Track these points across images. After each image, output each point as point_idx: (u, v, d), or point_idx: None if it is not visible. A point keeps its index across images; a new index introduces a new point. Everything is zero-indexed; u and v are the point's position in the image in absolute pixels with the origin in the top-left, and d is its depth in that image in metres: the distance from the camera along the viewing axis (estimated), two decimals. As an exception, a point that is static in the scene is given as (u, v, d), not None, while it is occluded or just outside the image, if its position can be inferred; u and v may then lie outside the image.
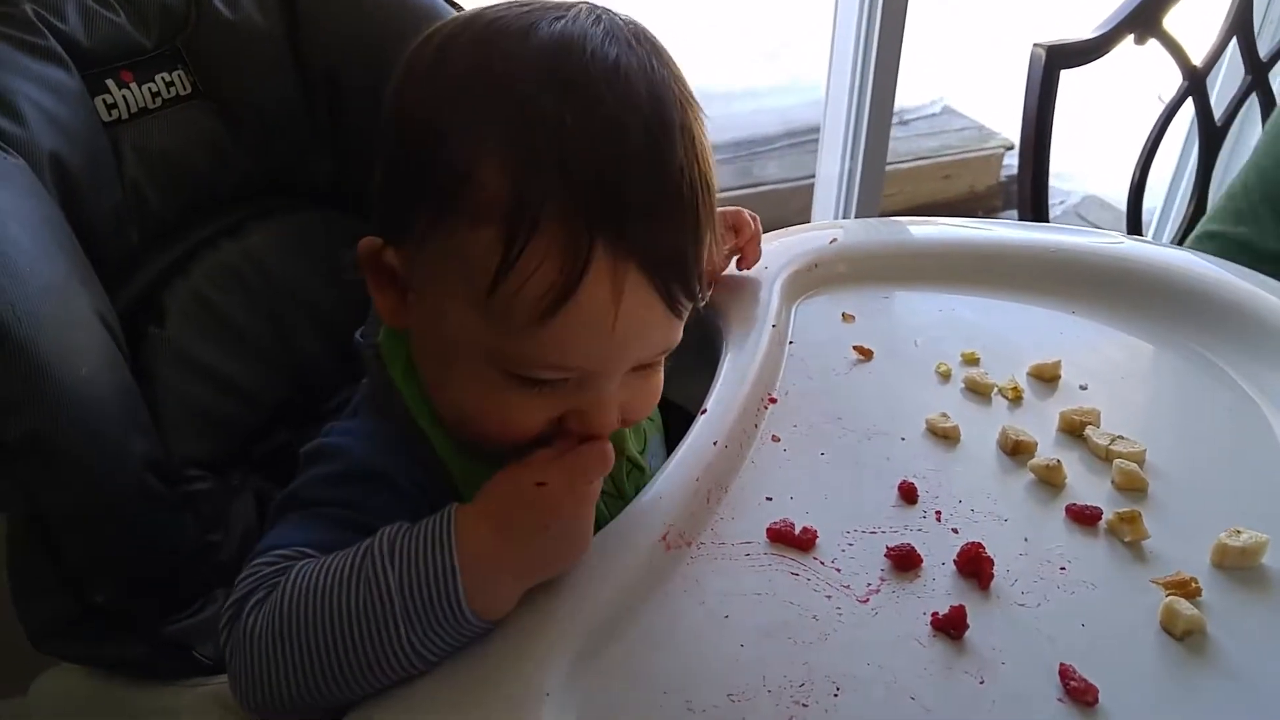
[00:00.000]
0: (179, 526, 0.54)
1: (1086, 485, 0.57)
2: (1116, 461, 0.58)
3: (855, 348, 0.68)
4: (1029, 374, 0.67)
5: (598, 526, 0.54)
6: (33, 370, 0.45)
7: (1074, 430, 0.61)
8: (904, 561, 0.52)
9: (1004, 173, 2.24)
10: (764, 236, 0.76)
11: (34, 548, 0.47)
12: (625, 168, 0.41)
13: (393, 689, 0.43)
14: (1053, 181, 1.12)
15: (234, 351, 0.61)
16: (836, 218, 1.39)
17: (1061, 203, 2.27)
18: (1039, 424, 0.62)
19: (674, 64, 0.46)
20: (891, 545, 0.52)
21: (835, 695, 0.45)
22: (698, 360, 0.76)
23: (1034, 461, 0.58)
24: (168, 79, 0.61)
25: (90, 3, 0.58)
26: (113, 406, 0.50)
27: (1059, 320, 0.72)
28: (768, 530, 0.54)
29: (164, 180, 0.61)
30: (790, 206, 1.77)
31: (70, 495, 0.47)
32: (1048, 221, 1.16)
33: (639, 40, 0.45)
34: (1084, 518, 0.55)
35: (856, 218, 1.36)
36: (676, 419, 0.72)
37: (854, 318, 0.72)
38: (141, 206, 0.60)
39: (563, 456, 0.45)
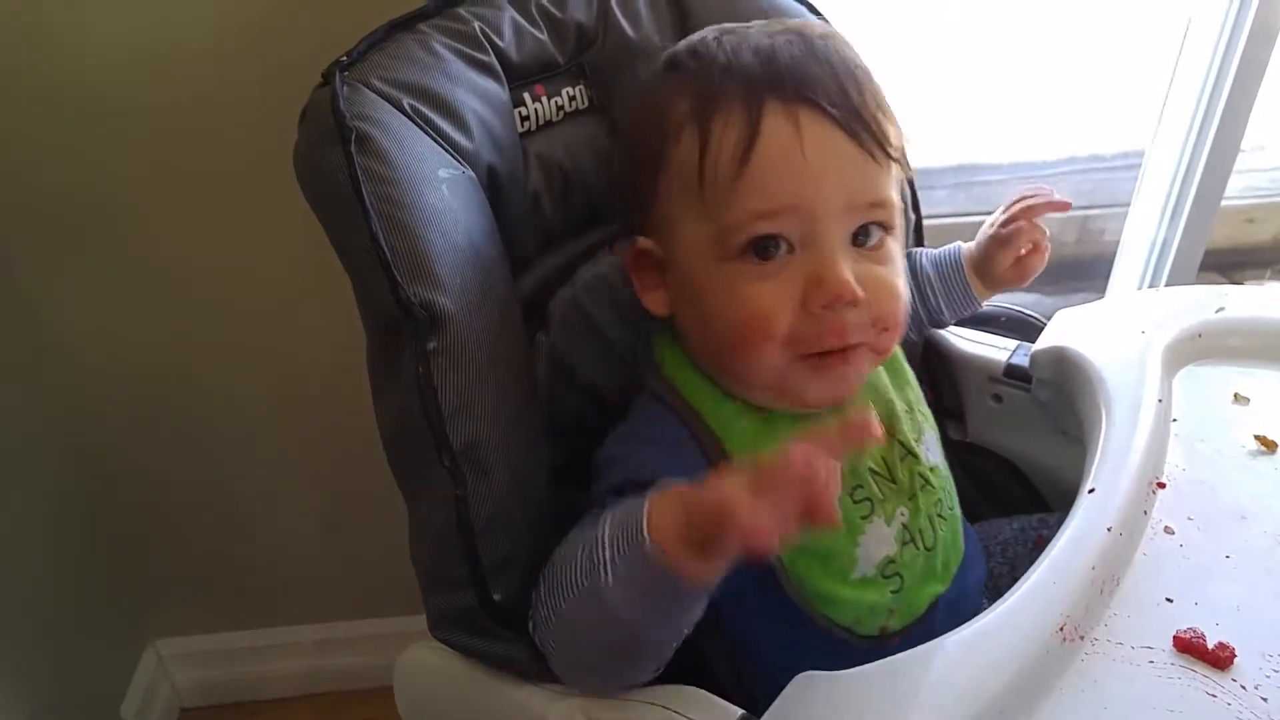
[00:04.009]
0: (558, 530, 0.55)
1: None
2: None
3: (1257, 437, 0.61)
4: None
5: (873, 510, 0.57)
6: (478, 377, 0.48)
7: None
8: (1347, 704, 0.45)
9: (1323, 221, 1.96)
10: (1132, 294, 0.70)
11: (451, 547, 0.50)
12: (782, 50, 0.51)
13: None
14: None
15: (600, 362, 0.63)
16: (1152, 255, 1.28)
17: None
18: None
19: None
20: (1330, 682, 0.46)
21: None
22: (1038, 414, 0.71)
23: None
24: (571, 93, 0.64)
25: (521, 20, 0.61)
26: (531, 414, 0.52)
27: None
28: (1175, 638, 0.48)
29: (558, 190, 0.63)
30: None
31: (496, 500, 0.49)
32: None
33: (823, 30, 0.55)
34: None
35: (1177, 257, 1.24)
36: (995, 467, 0.68)
37: (1248, 400, 0.64)
38: (539, 216, 0.63)
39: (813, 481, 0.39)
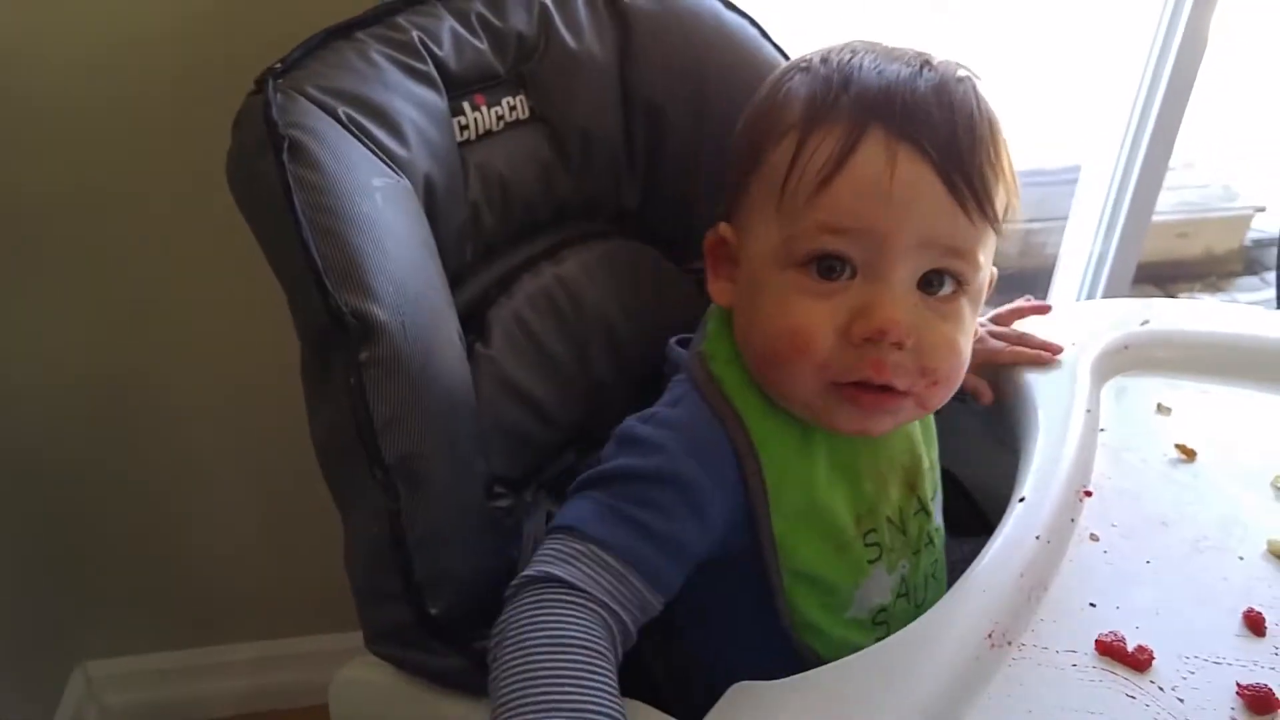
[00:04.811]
0: (498, 543, 0.55)
1: None
2: None
3: (1178, 446, 0.63)
4: (1391, 504, 0.59)
5: (881, 557, 0.57)
6: (415, 389, 0.47)
7: None
8: (1260, 704, 0.47)
9: (1249, 236, 2.05)
10: (1064, 306, 0.72)
11: (385, 561, 0.49)
12: (908, 82, 0.50)
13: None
14: None
15: (543, 373, 0.63)
16: (1088, 269, 1.32)
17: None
18: None
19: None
20: (1243, 683, 0.48)
21: None
22: (979, 427, 0.72)
23: None
24: (511, 102, 0.64)
25: (461, 29, 0.60)
26: (468, 426, 0.52)
27: None
28: (1097, 642, 0.50)
29: (498, 200, 0.63)
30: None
31: (430, 514, 0.49)
32: None
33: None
34: None
35: (1112, 270, 1.28)
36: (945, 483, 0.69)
37: (1170, 410, 0.66)
38: (478, 225, 0.62)
39: None
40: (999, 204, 0.52)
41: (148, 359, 0.99)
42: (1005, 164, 0.53)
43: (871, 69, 0.51)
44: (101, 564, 1.10)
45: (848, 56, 0.52)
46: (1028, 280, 1.47)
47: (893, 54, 0.53)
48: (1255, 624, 0.51)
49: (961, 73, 0.53)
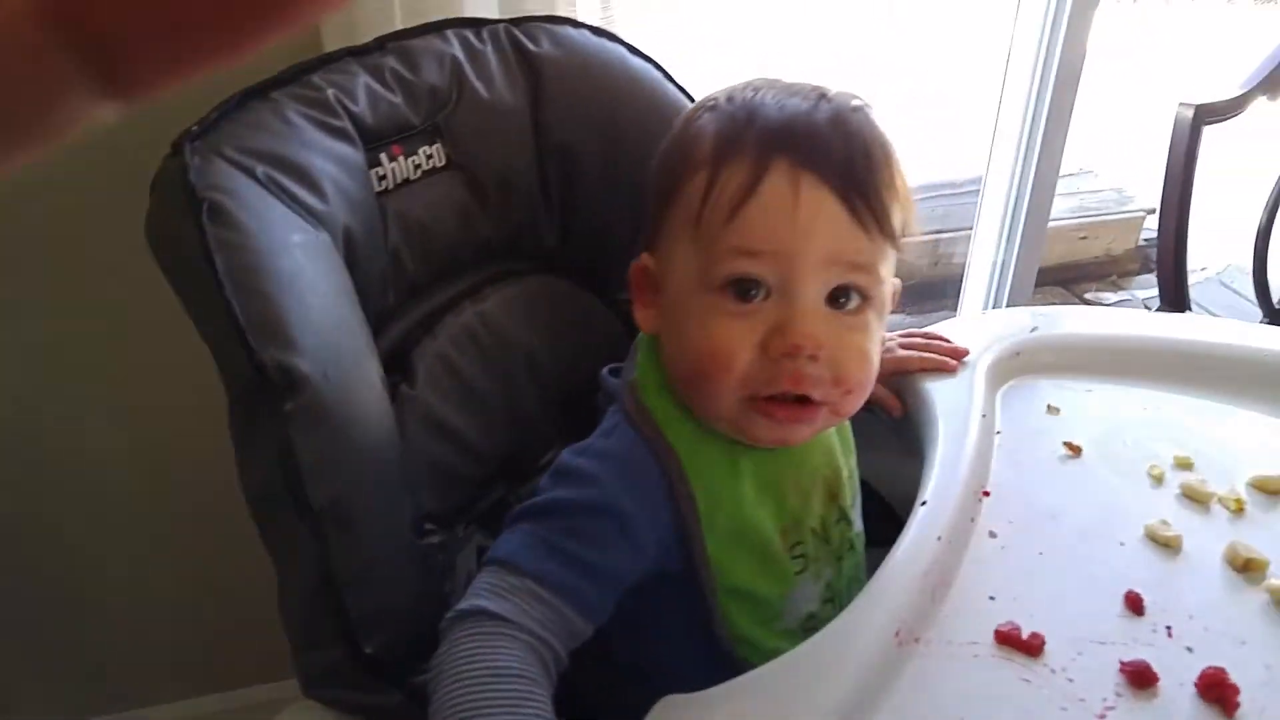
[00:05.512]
0: (430, 579, 0.57)
1: (1328, 613, 0.56)
2: (1360, 591, 0.56)
3: (1065, 443, 0.68)
4: (1251, 485, 0.65)
5: (807, 568, 0.60)
6: (336, 435, 0.49)
7: (1308, 552, 0.59)
8: (1139, 679, 0.51)
9: (1143, 236, 2.18)
10: (960, 320, 0.77)
11: (319, 604, 0.51)
12: (806, 115, 0.54)
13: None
14: (1197, 248, 1.12)
15: (469, 410, 0.65)
16: (994, 276, 1.39)
17: (1204, 269, 2.19)
18: (1269, 541, 0.60)
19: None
20: (1125, 660, 0.52)
21: (1086, 816, 0.44)
22: (892, 438, 0.77)
23: (1270, 583, 0.57)
24: (428, 151, 0.66)
25: (375, 85, 0.63)
26: (394, 467, 0.54)
27: (1278, 429, 0.70)
28: (995, 632, 0.54)
29: (418, 245, 0.65)
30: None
31: (360, 555, 0.51)
32: (1186, 280, 1.16)
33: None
34: (1331, 650, 0.53)
35: (1015, 275, 1.36)
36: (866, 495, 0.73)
37: (1059, 410, 0.72)
38: (399, 270, 0.64)
39: None
40: (896, 221, 0.56)
41: (61, 411, 0.97)
42: (900, 184, 0.57)
43: (773, 104, 0.55)
44: (16, 630, 1.06)
45: (750, 94, 0.56)
46: (939, 287, 1.54)
47: (792, 89, 0.57)
48: (1134, 604, 0.56)
49: (856, 103, 0.57)
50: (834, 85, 0.59)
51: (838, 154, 0.53)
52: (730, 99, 0.57)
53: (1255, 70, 1.12)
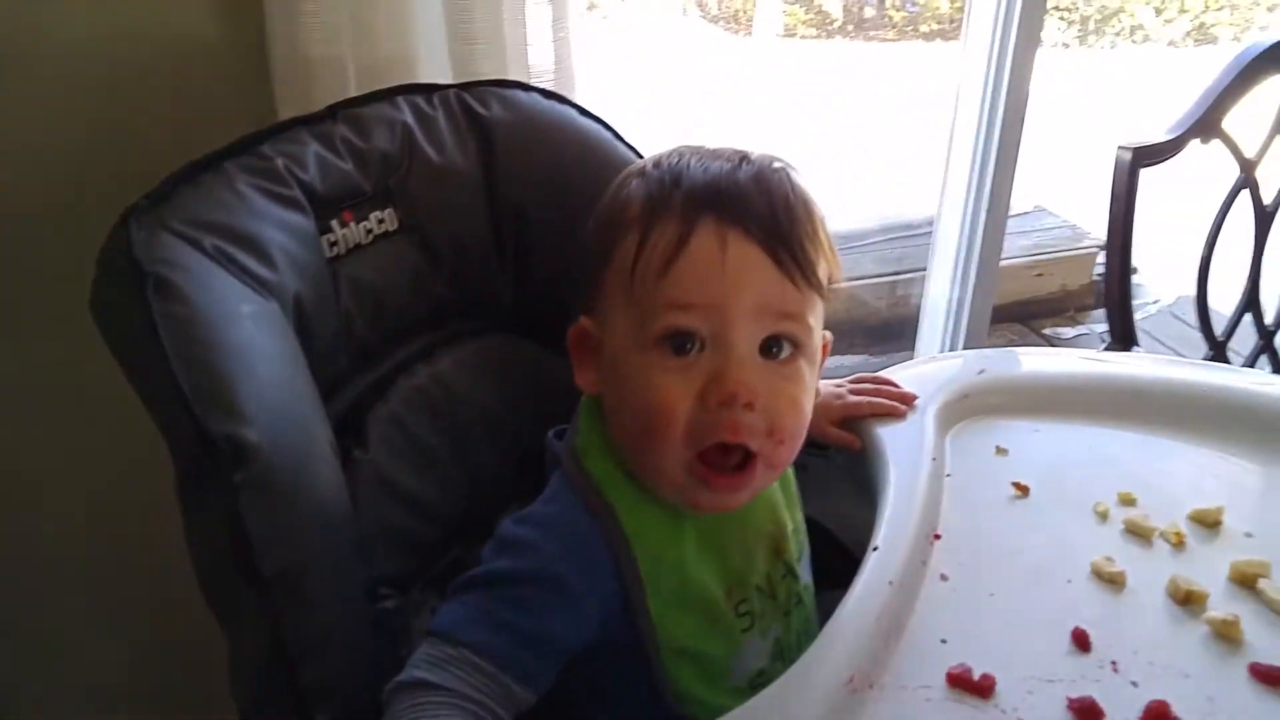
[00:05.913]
0: (384, 645, 0.57)
1: (1267, 642, 0.57)
2: (1297, 620, 0.57)
3: (1014, 484, 0.69)
4: (1190, 518, 0.67)
5: (753, 625, 0.60)
6: (287, 505, 0.49)
7: (1246, 582, 0.61)
8: (1087, 714, 0.52)
9: (1096, 271, 2.23)
10: (908, 365, 0.79)
11: (270, 674, 0.50)
12: (729, 176, 0.56)
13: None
14: (1146, 283, 1.16)
15: (422, 471, 0.66)
16: (949, 315, 1.41)
17: (1156, 301, 2.25)
18: (1207, 572, 0.62)
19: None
20: (1072, 696, 0.53)
21: None
22: (846, 483, 0.78)
23: (1210, 615, 0.58)
24: (380, 216, 0.67)
25: (325, 153, 0.64)
26: (345, 535, 0.54)
27: (1215, 462, 0.72)
28: (948, 675, 0.55)
29: (371, 308, 0.66)
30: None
31: (312, 625, 0.50)
32: (1132, 315, 1.20)
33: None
34: (1271, 678, 0.54)
35: (971, 313, 1.38)
36: (818, 536, 0.74)
37: (1007, 451, 0.73)
38: (351, 333, 0.65)
39: None
40: (821, 273, 0.58)
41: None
42: (823, 237, 0.59)
43: (698, 168, 0.57)
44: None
45: (675, 159, 0.59)
46: (897, 327, 1.57)
47: (715, 153, 0.59)
48: (1081, 640, 0.57)
49: (776, 164, 0.59)
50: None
51: (761, 210, 0.55)
52: (656, 165, 0.59)
53: (1184, 115, 1.17)
